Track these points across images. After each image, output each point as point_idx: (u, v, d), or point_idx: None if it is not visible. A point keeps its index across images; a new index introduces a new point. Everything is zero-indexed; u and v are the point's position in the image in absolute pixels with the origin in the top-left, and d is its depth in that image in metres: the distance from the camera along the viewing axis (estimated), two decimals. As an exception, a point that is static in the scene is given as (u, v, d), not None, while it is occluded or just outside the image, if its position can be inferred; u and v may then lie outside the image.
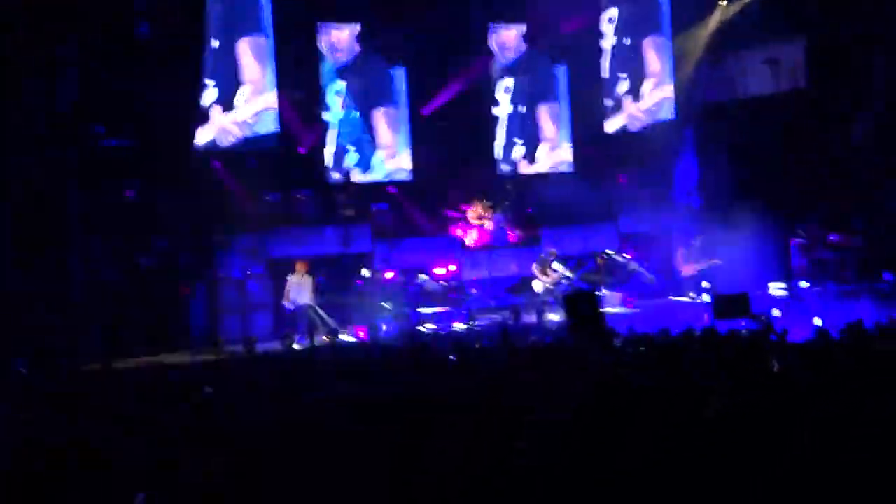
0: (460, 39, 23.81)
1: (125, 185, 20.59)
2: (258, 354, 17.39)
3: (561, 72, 25.45)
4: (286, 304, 19.87)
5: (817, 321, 16.16)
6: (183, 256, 20.74)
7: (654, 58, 26.11)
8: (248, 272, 20.50)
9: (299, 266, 20.09)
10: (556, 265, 22.01)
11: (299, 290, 19.89)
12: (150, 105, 19.86)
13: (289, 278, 20.04)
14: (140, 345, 18.63)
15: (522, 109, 25.04)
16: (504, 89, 24.94)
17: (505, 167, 24.81)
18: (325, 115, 23.04)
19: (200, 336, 19.92)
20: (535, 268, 22.04)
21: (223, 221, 21.33)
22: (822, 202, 23.29)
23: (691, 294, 22.61)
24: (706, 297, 19.90)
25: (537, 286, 21.83)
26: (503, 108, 24.91)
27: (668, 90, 26.13)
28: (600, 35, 25.71)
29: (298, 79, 22.86)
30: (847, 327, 12.62)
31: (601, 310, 14.27)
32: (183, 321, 20.05)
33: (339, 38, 23.16)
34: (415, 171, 23.66)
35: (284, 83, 22.26)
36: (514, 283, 22.94)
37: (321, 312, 19.52)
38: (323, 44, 22.93)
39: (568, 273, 22.17)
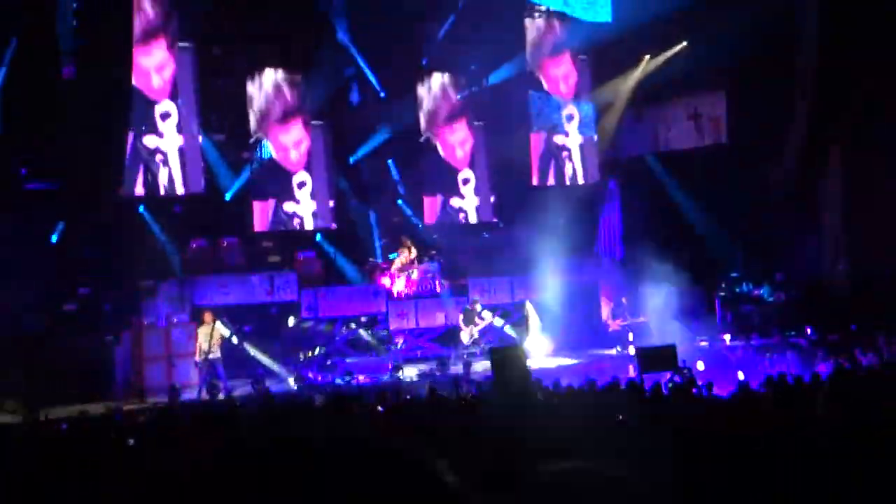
0: (391, 88, 23.88)
1: (49, 230, 20.37)
2: (181, 403, 17.27)
3: (487, 125, 25.60)
4: (198, 358, 19.63)
5: (740, 375, 16.39)
6: (107, 303, 20.52)
7: (578, 113, 26.33)
8: (173, 320, 20.31)
9: (207, 316, 19.80)
10: (485, 313, 22.16)
11: (207, 340, 19.51)
12: (76, 149, 19.70)
13: (198, 329, 19.81)
14: (62, 393, 18.34)
15: (450, 160, 25.15)
16: (430, 139, 25.03)
17: (432, 217, 24.90)
18: (252, 162, 23.00)
19: (124, 384, 19.69)
20: (461, 319, 22.14)
21: (148, 268, 21.16)
22: (746, 257, 23.64)
23: (618, 348, 22.78)
24: (632, 350, 20.07)
25: (464, 337, 21.92)
26: (432, 158, 24.99)
27: (592, 145, 26.35)
28: (527, 90, 25.84)
29: (225, 124, 22.85)
30: (768, 381, 12.82)
31: (527, 363, 14.35)
32: (106, 369, 19.80)
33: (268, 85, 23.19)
34: (341, 219, 23.66)
35: (211, 128, 22.21)
36: (440, 333, 22.96)
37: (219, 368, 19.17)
38: (250, 90, 22.91)
39: (495, 321, 22.34)
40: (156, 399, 18.44)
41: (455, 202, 25.23)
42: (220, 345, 19.32)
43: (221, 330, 19.26)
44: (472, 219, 25.41)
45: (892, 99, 22.57)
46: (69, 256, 20.37)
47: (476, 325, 21.99)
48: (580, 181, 26.23)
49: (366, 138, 24.44)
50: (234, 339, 20.09)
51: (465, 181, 25.32)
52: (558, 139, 26.12)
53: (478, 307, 22.26)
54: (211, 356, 19.16)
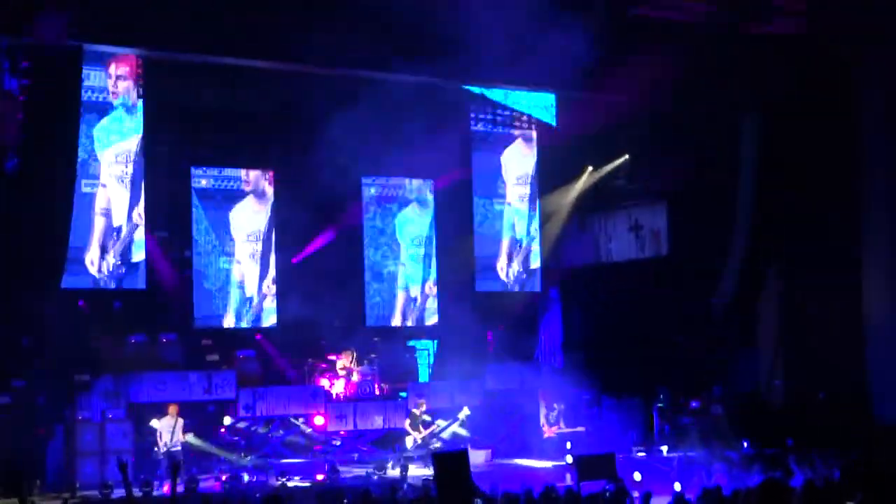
0: (333, 190, 23.96)
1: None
2: (114, 500, 17.00)
3: (431, 227, 25.77)
4: (159, 448, 19.68)
5: (677, 486, 16.41)
6: (41, 396, 20.23)
7: (523, 223, 26.52)
8: (109, 415, 20.06)
9: (172, 409, 20.02)
10: (428, 417, 22.17)
11: (171, 432, 19.79)
12: (16, 241, 19.57)
13: (159, 422, 19.82)
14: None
15: (391, 264, 25.24)
16: (373, 241, 25.15)
17: (372, 320, 24.92)
18: (193, 259, 22.99)
19: (56, 480, 19.38)
20: (407, 423, 22.14)
21: (84, 362, 20.95)
22: (683, 369, 23.81)
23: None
24: (569, 459, 20.04)
25: (409, 441, 21.89)
26: (374, 260, 25.09)
27: (536, 254, 26.53)
28: (471, 194, 26.01)
29: (166, 219, 22.87)
30: (704, 493, 12.89)
31: (468, 470, 14.29)
32: (38, 464, 19.48)
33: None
34: (282, 319, 23.62)
35: (152, 222, 22.19)
36: (379, 436, 22.86)
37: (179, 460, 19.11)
38: (194, 185, 23.01)
39: (439, 423, 22.36)
40: (87, 495, 18.14)
41: (399, 305, 25.27)
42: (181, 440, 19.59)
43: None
44: (412, 322, 25.41)
45: (828, 224, 23.03)
46: (4, 348, 20.10)
47: (420, 430, 21.98)
48: (521, 288, 26.34)
49: (309, 238, 24.50)
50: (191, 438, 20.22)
51: (409, 284, 25.40)
52: (501, 245, 26.26)
53: (421, 410, 22.25)
54: (173, 450, 19.45)
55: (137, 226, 21.71)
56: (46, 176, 20.05)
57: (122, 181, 21.63)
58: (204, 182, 23.24)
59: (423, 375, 24.71)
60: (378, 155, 23.80)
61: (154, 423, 19.98)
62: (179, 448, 19.77)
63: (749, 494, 13.08)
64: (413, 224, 25.57)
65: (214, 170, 23.35)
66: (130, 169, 21.72)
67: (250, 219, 23.61)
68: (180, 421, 20.11)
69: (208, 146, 23.27)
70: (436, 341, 25.49)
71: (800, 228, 23.32)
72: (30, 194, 19.64)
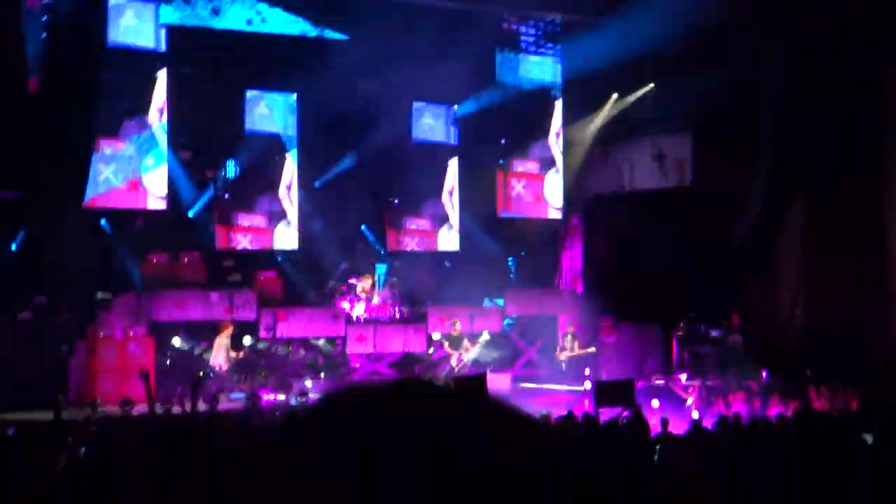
0: (357, 112, 23.88)
1: (8, 238, 20.24)
2: (135, 416, 17.14)
3: (455, 152, 25.70)
4: (216, 363, 20.26)
5: (695, 414, 16.47)
6: (63, 313, 20.38)
7: (547, 149, 26.45)
8: (130, 333, 20.21)
9: (225, 328, 20.37)
10: (466, 343, 22.39)
11: (221, 350, 20.22)
12: (39, 158, 19.61)
13: (219, 339, 20.55)
14: (12, 402, 18.16)
15: (416, 185, 25.21)
16: (395, 165, 25.10)
17: (394, 243, 24.94)
18: (217, 180, 23.02)
19: (76, 396, 19.56)
20: (447, 345, 22.37)
21: (107, 280, 21.08)
22: (703, 297, 23.77)
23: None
24: (588, 385, 20.12)
25: (453, 362, 22.14)
26: (396, 185, 25.05)
27: (559, 181, 26.47)
28: (498, 121, 25.93)
29: (190, 139, 22.86)
30: (721, 420, 12.92)
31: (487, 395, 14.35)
32: (59, 380, 19.64)
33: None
34: (304, 241, 23.67)
35: (176, 142, 22.20)
36: (398, 358, 22.98)
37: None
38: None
39: (478, 352, 22.60)
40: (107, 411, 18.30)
41: (418, 230, 25.26)
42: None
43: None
44: (435, 247, 25.44)
45: (852, 156, 22.84)
46: (28, 265, 20.23)
47: (465, 350, 22.23)
48: (545, 215, 26.32)
49: (333, 161, 24.45)
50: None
51: (430, 210, 25.36)
52: (526, 172, 26.20)
53: (456, 330, 22.47)
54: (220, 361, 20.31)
55: (161, 144, 21.72)
56: (69, 93, 20.06)
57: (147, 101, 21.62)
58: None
59: (444, 299, 24.72)
60: (404, 78, 23.64)
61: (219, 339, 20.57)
62: (226, 367, 20.07)
63: (768, 423, 13.14)
64: (436, 149, 25.47)
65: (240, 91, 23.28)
66: (155, 88, 21.72)
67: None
68: (227, 340, 20.46)
69: (234, 68, 23.17)
70: (457, 265, 25.49)
71: (824, 160, 23.12)
72: (52, 112, 19.66)
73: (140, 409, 18.01)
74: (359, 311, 22.99)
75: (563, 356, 23.40)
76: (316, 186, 24.28)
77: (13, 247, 20.57)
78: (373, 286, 23.27)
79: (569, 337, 23.62)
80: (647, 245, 24.98)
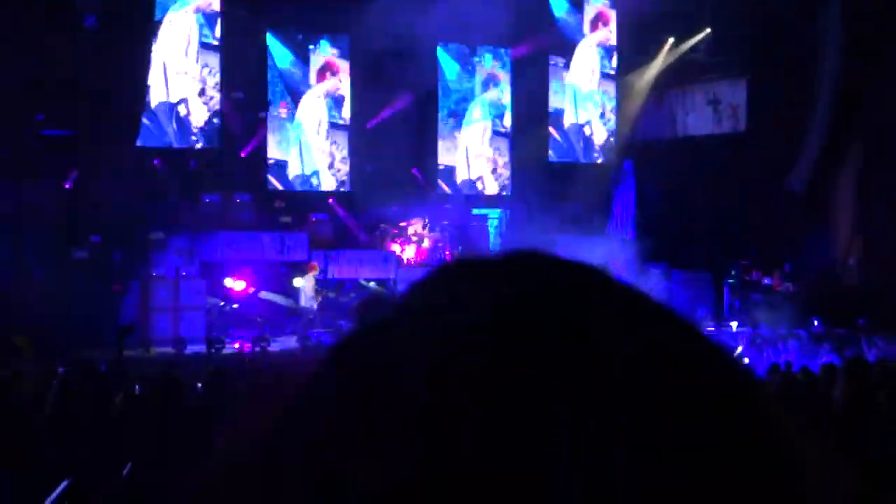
0: (409, 55, 23.79)
1: (63, 176, 20.40)
2: (188, 355, 17.34)
3: (508, 97, 25.59)
4: (308, 304, 20.67)
5: (745, 361, 16.37)
6: (117, 253, 20.56)
7: (601, 94, 26.30)
8: (182, 273, 20.37)
9: (311, 269, 20.45)
10: None
11: (310, 290, 20.66)
12: (94, 96, 19.70)
13: (301, 279, 20.78)
14: (66, 339, 18.35)
15: (467, 131, 25.15)
16: (452, 110, 25.05)
17: (446, 186, 24.93)
18: (268, 121, 23.06)
19: (131, 335, 19.76)
20: None
21: (160, 220, 21.22)
22: (756, 245, 23.61)
23: None
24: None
25: None
26: (448, 129, 25.01)
27: (612, 125, 26.32)
28: (548, 64, 25.80)
29: (243, 80, 22.88)
30: (773, 368, 12.83)
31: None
32: (113, 319, 19.85)
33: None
34: (355, 183, 23.70)
35: (229, 84, 22.24)
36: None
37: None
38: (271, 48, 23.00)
39: None
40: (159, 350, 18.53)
41: (471, 174, 25.23)
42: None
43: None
44: (487, 191, 25.42)
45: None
46: (82, 204, 20.39)
47: None
48: (596, 160, 26.22)
49: (384, 104, 24.40)
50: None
51: (482, 153, 25.31)
52: (578, 117, 26.08)
53: None
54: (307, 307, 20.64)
55: (214, 87, 21.77)
56: (123, 34, 20.12)
57: (200, 41, 21.64)
58: (280, 45, 23.17)
59: (492, 244, 24.71)
60: (456, 20, 23.47)
61: (296, 281, 20.86)
62: (315, 307, 20.55)
63: (819, 372, 13.06)
64: (489, 91, 25.37)
65: (292, 33, 23.24)
66: (207, 30, 21.72)
67: (326, 83, 23.54)
68: (314, 281, 20.70)
69: (286, 9, 23.12)
70: (507, 211, 25.44)
71: (880, 107, 22.79)
72: (107, 52, 19.71)
73: (192, 348, 18.24)
74: (409, 253, 23.01)
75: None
76: (368, 128, 24.24)
77: (67, 185, 20.72)
78: (424, 229, 23.27)
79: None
80: (699, 191, 24.82)
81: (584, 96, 26.25)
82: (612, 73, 26.55)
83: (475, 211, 25.17)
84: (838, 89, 23.21)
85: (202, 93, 21.77)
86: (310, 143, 23.41)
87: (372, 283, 22.53)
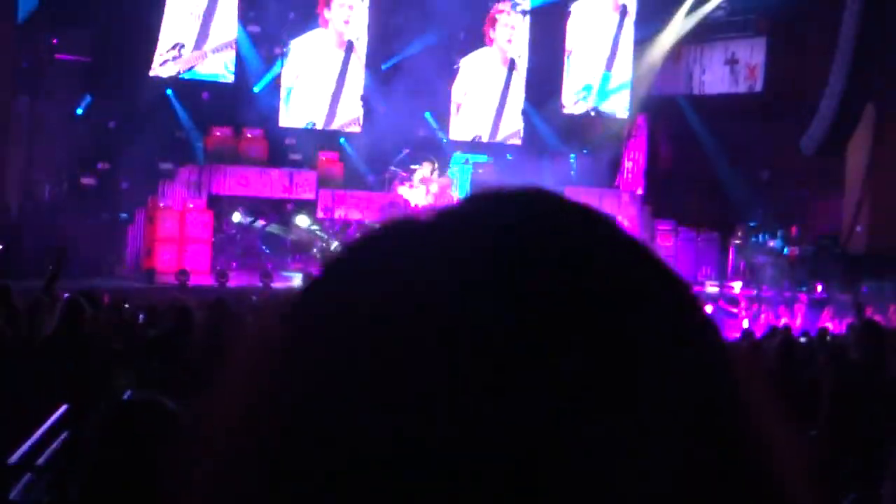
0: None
1: (75, 101, 20.38)
2: (191, 288, 17.41)
3: (524, 45, 25.47)
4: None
5: (745, 323, 16.41)
6: (125, 181, 20.57)
7: (617, 47, 26.16)
8: (189, 205, 20.38)
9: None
10: None
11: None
12: (109, 23, 19.65)
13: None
14: (73, 267, 18.37)
15: (480, 77, 25.05)
16: (464, 52, 24.94)
17: (458, 132, 24.87)
18: (282, 57, 22.96)
19: (134, 264, 19.83)
20: None
21: (169, 151, 21.21)
22: (764, 207, 23.57)
23: None
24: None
25: None
26: (462, 74, 24.92)
27: (627, 79, 26.20)
28: (566, 13, 25.65)
29: (259, 13, 22.76)
30: (772, 331, 12.85)
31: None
32: (118, 247, 19.92)
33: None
34: (367, 124, 23.65)
35: (245, 17, 22.14)
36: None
37: None
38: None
39: None
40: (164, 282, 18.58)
41: (482, 120, 25.17)
42: None
43: None
44: (498, 138, 25.36)
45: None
46: (92, 130, 20.38)
47: None
48: (610, 113, 26.15)
49: (400, 45, 24.28)
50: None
51: (495, 100, 25.22)
52: (591, 70, 25.97)
53: None
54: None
55: (230, 19, 21.68)
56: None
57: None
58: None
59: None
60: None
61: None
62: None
63: (821, 337, 13.07)
64: (505, 36, 25.24)
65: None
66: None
67: (343, 23, 23.42)
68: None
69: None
70: (517, 158, 25.37)
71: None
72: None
73: (196, 281, 18.29)
74: (417, 198, 22.97)
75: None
76: (382, 69, 24.14)
77: (79, 111, 20.70)
78: (433, 174, 23.21)
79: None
80: (711, 149, 24.76)
81: (601, 48, 26.08)
82: (632, 28, 26.34)
83: (484, 158, 25.08)
84: (856, 53, 23.04)
85: (217, 25, 21.65)
86: (323, 81, 23.30)
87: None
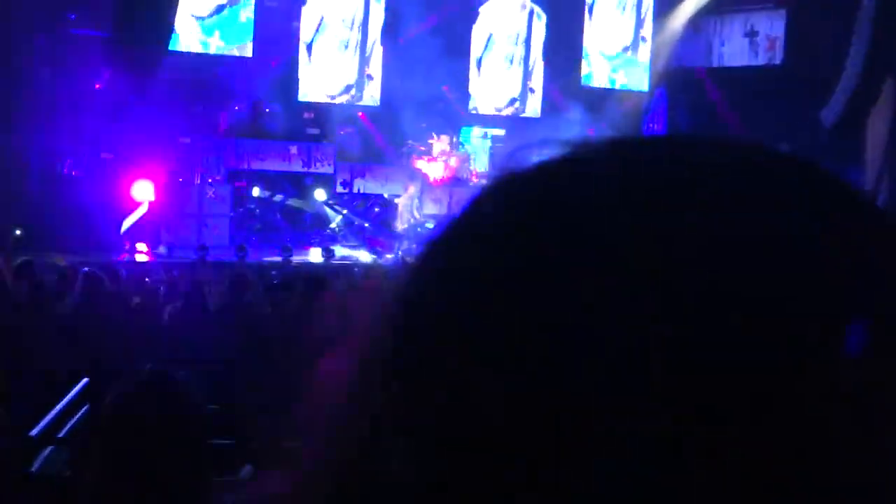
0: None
1: (93, 76, 20.38)
2: (209, 263, 17.42)
3: (541, 16, 25.39)
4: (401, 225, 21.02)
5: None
6: (143, 155, 20.58)
7: (635, 20, 26.06)
8: (209, 180, 20.41)
9: (412, 188, 20.92)
10: None
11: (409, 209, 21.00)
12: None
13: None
14: (85, 239, 18.41)
15: (500, 50, 24.99)
16: (483, 28, 24.86)
17: (476, 105, 24.83)
18: (300, 31, 22.93)
19: (153, 237, 19.88)
20: None
21: (187, 125, 21.20)
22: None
23: None
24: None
25: None
26: (479, 47, 24.85)
27: (646, 53, 26.12)
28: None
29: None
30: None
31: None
32: (136, 220, 19.96)
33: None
34: (385, 98, 23.60)
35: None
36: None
37: None
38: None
39: None
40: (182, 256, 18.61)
41: (502, 94, 25.12)
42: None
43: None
44: (517, 112, 25.31)
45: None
46: (111, 105, 20.39)
47: None
48: (630, 86, 26.09)
49: (422, 18, 24.20)
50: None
51: (515, 73, 25.16)
52: (611, 40, 25.89)
53: None
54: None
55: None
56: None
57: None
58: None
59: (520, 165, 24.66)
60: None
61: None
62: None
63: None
64: (523, 10, 25.18)
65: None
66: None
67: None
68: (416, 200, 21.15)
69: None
70: (534, 132, 25.35)
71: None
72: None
73: (214, 255, 18.33)
74: (436, 172, 22.97)
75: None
76: (400, 43, 24.08)
77: (97, 86, 20.70)
78: (451, 147, 23.19)
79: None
80: (730, 122, 24.66)
81: (621, 22, 25.99)
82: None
83: (502, 131, 25.04)
84: (875, 25, 22.88)
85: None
86: (341, 54, 23.25)
87: (398, 199, 22.48)
